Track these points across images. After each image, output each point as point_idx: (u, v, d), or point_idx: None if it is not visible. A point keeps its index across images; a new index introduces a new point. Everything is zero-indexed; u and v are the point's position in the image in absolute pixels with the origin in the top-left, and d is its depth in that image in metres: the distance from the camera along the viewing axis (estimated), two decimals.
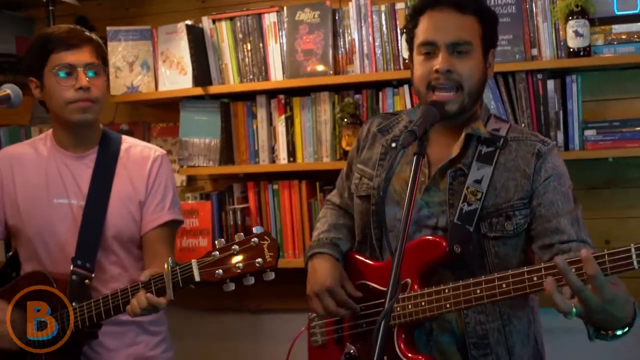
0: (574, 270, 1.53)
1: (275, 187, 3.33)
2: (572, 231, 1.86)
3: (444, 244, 1.87)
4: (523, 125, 2.95)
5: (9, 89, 2.04)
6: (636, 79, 3.04)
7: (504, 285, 1.74)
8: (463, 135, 1.94)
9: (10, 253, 2.45)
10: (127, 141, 2.38)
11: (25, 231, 2.28)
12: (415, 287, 1.89)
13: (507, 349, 1.93)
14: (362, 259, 2.06)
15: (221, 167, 3.39)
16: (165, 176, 2.35)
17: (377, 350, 1.52)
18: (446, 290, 1.82)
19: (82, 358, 2.24)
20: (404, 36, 3.05)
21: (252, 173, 3.39)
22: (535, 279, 1.70)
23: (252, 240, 1.81)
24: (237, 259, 1.82)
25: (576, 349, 2.17)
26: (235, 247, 1.82)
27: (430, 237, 1.91)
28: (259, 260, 1.80)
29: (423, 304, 1.85)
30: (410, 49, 2.00)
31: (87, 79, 2.20)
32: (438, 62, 1.88)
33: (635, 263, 1.54)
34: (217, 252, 1.85)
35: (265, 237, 1.81)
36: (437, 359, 1.92)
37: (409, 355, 1.88)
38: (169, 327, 2.50)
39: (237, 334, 3.67)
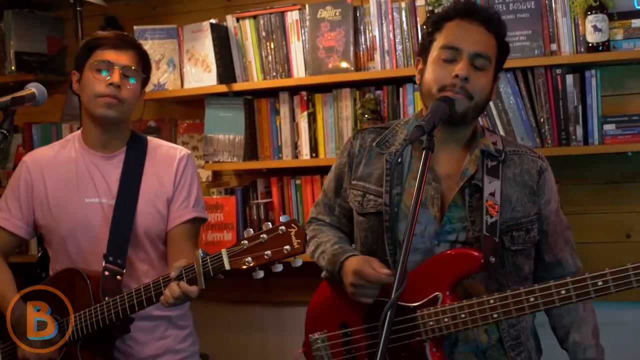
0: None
1: (298, 182, 3.39)
2: (571, 262, 2.08)
3: (478, 255, 1.86)
4: (542, 120, 2.97)
5: (34, 88, 2.09)
6: None
7: (563, 292, 1.76)
8: (478, 151, 1.99)
9: (39, 254, 2.53)
10: (153, 142, 2.44)
11: (58, 231, 2.34)
12: (447, 300, 1.88)
13: (533, 341, 2.03)
14: None
15: (245, 162, 3.46)
16: (190, 175, 2.40)
17: (382, 342, 1.55)
18: (491, 301, 1.82)
19: (115, 351, 2.30)
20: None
21: (275, 168, 3.46)
22: (600, 283, 1.73)
23: (280, 228, 1.86)
24: (265, 247, 1.87)
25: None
26: (264, 235, 1.87)
27: (464, 251, 1.91)
28: (287, 247, 1.85)
29: (463, 316, 1.84)
30: (424, 52, 2.01)
31: (122, 79, 2.28)
32: (459, 68, 1.91)
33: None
34: (246, 241, 1.90)
35: (292, 225, 1.86)
36: None
37: None
38: (197, 318, 2.56)
39: (262, 326, 3.74)
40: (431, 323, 1.87)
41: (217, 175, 3.74)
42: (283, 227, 1.86)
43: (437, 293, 1.89)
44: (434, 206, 1.97)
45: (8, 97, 2.01)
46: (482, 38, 1.95)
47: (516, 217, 1.96)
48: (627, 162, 3.02)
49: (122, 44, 2.32)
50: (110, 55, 2.29)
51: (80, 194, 2.33)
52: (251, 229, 1.92)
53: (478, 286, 1.93)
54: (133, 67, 2.31)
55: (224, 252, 1.92)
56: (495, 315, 1.82)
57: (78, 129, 3.62)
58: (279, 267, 1.89)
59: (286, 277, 3.32)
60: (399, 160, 2.02)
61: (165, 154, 2.41)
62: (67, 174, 2.36)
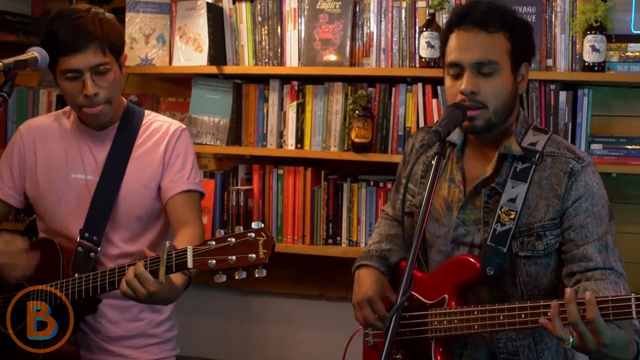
0: (581, 309, 1.60)
1: (281, 171, 3.36)
2: (599, 258, 1.85)
3: (478, 265, 1.90)
4: None
5: (36, 52, 2.03)
6: None
7: (522, 315, 1.75)
8: (496, 155, 1.95)
9: (32, 218, 2.46)
10: (149, 116, 2.36)
11: (42, 203, 2.30)
12: (452, 303, 1.93)
13: None
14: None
15: (228, 147, 3.41)
16: (183, 148, 2.31)
17: (386, 344, 1.56)
18: (475, 312, 1.85)
19: (84, 326, 2.26)
20: (423, 35, 3.08)
21: (258, 156, 3.42)
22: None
23: (249, 234, 1.80)
24: (231, 251, 1.81)
25: None
26: (232, 239, 1.81)
27: (465, 257, 1.95)
28: (252, 255, 1.79)
29: (455, 321, 1.89)
30: (444, 65, 2.00)
31: (94, 81, 2.15)
32: (462, 84, 1.89)
33: (634, 313, 1.58)
34: (214, 242, 1.83)
35: (262, 233, 1.79)
36: None
37: None
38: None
39: (226, 312, 3.71)
40: (435, 323, 1.94)
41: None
42: (252, 234, 1.79)
43: (444, 295, 1.95)
44: (456, 210, 2.00)
45: (11, 60, 1.96)
46: (481, 43, 1.90)
47: (530, 222, 1.90)
48: (611, 183, 3.05)
49: (81, 42, 2.14)
50: (76, 61, 2.14)
51: (67, 169, 2.29)
52: (222, 230, 1.86)
53: (483, 294, 1.94)
54: (100, 62, 2.16)
55: (189, 249, 1.86)
56: (475, 327, 1.85)
57: (57, 95, 3.58)
58: (243, 274, 1.82)
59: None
60: (433, 162, 1.95)
61: (158, 130, 2.32)
62: (57, 148, 2.31)
